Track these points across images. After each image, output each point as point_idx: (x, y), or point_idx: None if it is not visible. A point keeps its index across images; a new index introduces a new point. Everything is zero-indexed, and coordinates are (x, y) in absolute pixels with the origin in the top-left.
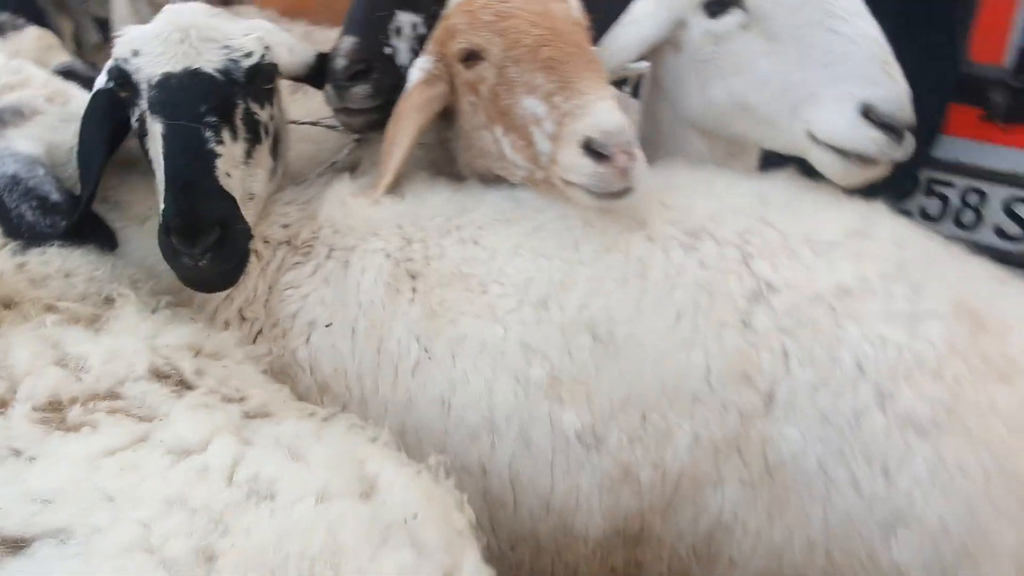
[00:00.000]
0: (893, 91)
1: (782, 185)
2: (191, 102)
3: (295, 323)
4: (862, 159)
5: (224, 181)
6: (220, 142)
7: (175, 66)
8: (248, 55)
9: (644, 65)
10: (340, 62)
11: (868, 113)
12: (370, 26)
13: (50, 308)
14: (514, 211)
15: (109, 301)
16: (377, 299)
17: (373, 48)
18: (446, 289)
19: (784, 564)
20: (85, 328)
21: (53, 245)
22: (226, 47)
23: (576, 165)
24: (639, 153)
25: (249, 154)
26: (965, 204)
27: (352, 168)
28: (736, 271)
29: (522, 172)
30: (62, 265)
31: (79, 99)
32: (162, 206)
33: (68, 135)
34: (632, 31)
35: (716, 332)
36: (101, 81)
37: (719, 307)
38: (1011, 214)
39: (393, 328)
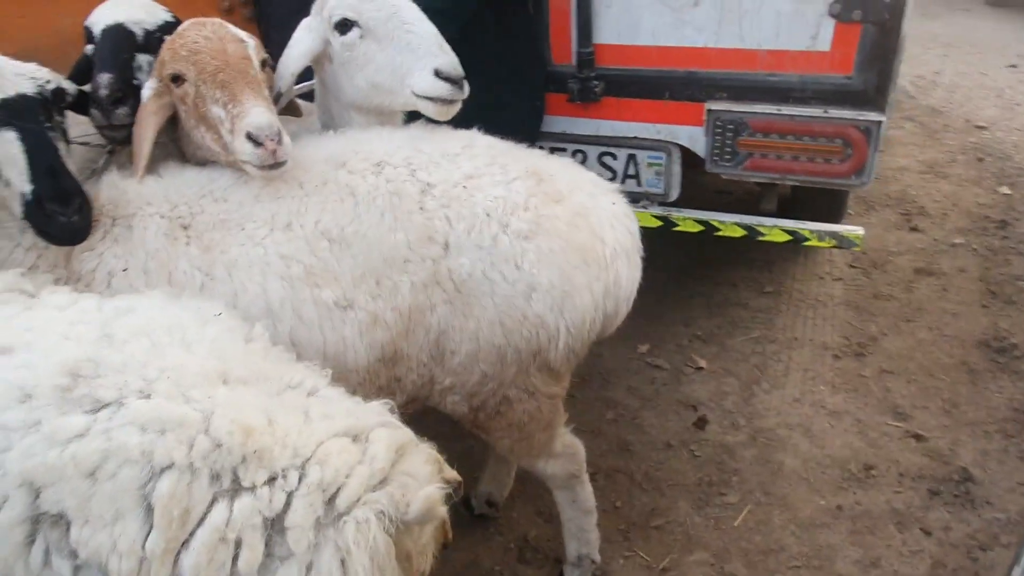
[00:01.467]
0: (447, 60)
1: (421, 129)
2: (36, 115)
3: (96, 275)
4: (443, 101)
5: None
6: (56, 139)
7: (7, 93)
8: (47, 81)
9: (308, 84)
10: (103, 92)
11: (438, 74)
12: (118, 64)
13: None
14: (247, 177)
15: None
16: (161, 247)
17: (124, 80)
18: (213, 232)
19: (481, 341)
20: None
21: None
22: (32, 77)
23: (243, 150)
24: (286, 139)
25: (66, 147)
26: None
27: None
28: (409, 179)
29: (221, 157)
30: None
31: None
32: (28, 187)
33: None
34: (294, 52)
35: (407, 217)
36: None
37: (404, 203)
38: (602, 163)
39: (178, 264)
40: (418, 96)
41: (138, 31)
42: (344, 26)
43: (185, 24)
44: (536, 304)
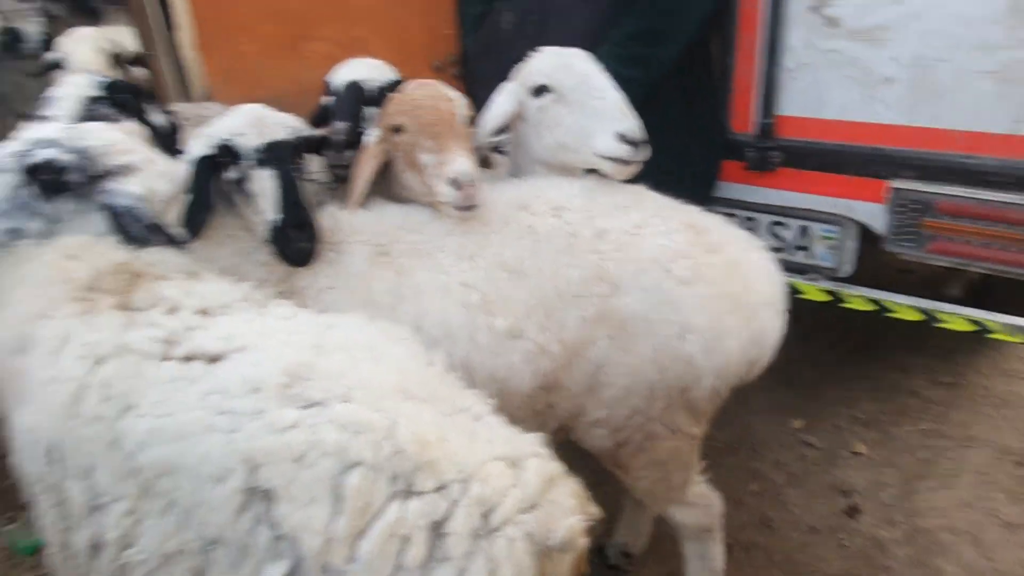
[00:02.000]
0: (629, 124)
1: (594, 181)
2: (288, 157)
3: (308, 292)
4: (622, 162)
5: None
6: (299, 179)
7: (270, 138)
8: (299, 130)
9: (505, 136)
10: (339, 137)
11: (621, 137)
12: (352, 115)
13: (161, 277)
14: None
15: (193, 273)
16: (364, 269)
17: (356, 129)
18: (406, 259)
19: (637, 376)
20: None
21: (150, 247)
22: (288, 126)
23: (444, 192)
24: (481, 185)
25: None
26: (745, 228)
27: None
28: (586, 224)
29: (423, 198)
30: (160, 256)
31: (161, 163)
32: (275, 216)
33: (156, 185)
34: (493, 111)
35: (581, 257)
36: (195, 152)
37: (580, 244)
38: (772, 233)
39: (375, 285)
40: (599, 156)
41: (369, 88)
42: (539, 91)
43: (409, 84)
44: (689, 345)
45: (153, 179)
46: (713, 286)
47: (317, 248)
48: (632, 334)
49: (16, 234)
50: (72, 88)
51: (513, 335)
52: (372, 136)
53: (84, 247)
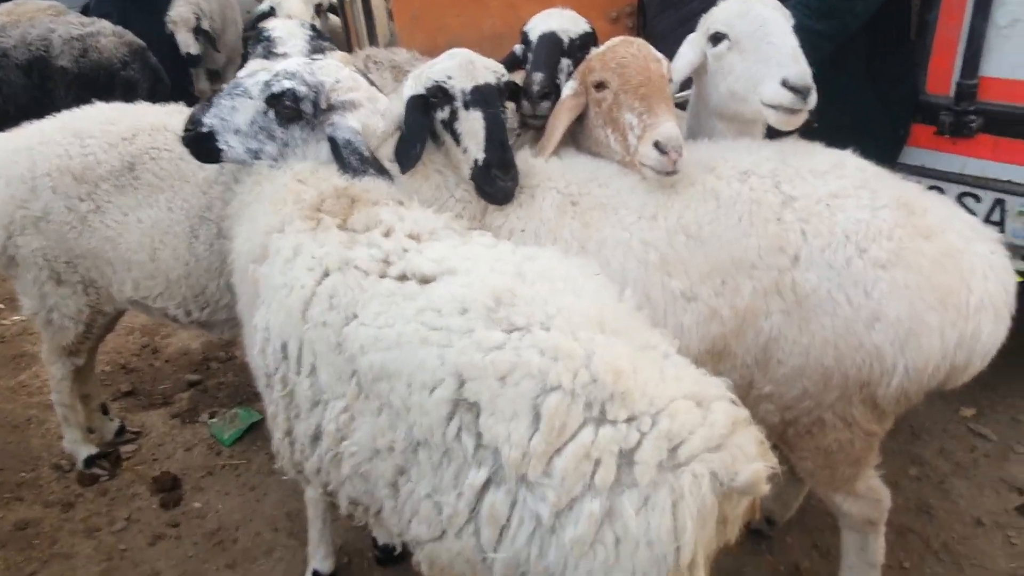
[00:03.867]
0: (797, 70)
1: (793, 144)
2: (495, 100)
3: (501, 231)
4: (785, 110)
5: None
6: (505, 123)
7: (479, 82)
8: (503, 75)
9: (688, 92)
10: (535, 88)
11: (785, 83)
12: (550, 66)
13: (375, 202)
14: (626, 170)
15: (400, 202)
16: (553, 216)
17: (551, 80)
18: (593, 211)
19: (810, 358)
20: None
21: (366, 176)
22: (495, 71)
23: (649, 155)
24: (685, 152)
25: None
26: None
27: (521, 146)
28: (771, 190)
29: (618, 156)
30: (372, 185)
31: (383, 101)
32: (481, 155)
33: (374, 121)
34: (678, 63)
35: (762, 225)
36: (408, 92)
37: (763, 211)
38: (961, 204)
39: (562, 233)
40: (764, 104)
41: (565, 39)
42: (716, 38)
43: (614, 40)
44: (877, 335)
45: (372, 115)
46: (917, 275)
47: (515, 188)
48: (810, 312)
49: (256, 154)
50: (294, 29)
51: (687, 297)
52: (569, 88)
53: (311, 172)
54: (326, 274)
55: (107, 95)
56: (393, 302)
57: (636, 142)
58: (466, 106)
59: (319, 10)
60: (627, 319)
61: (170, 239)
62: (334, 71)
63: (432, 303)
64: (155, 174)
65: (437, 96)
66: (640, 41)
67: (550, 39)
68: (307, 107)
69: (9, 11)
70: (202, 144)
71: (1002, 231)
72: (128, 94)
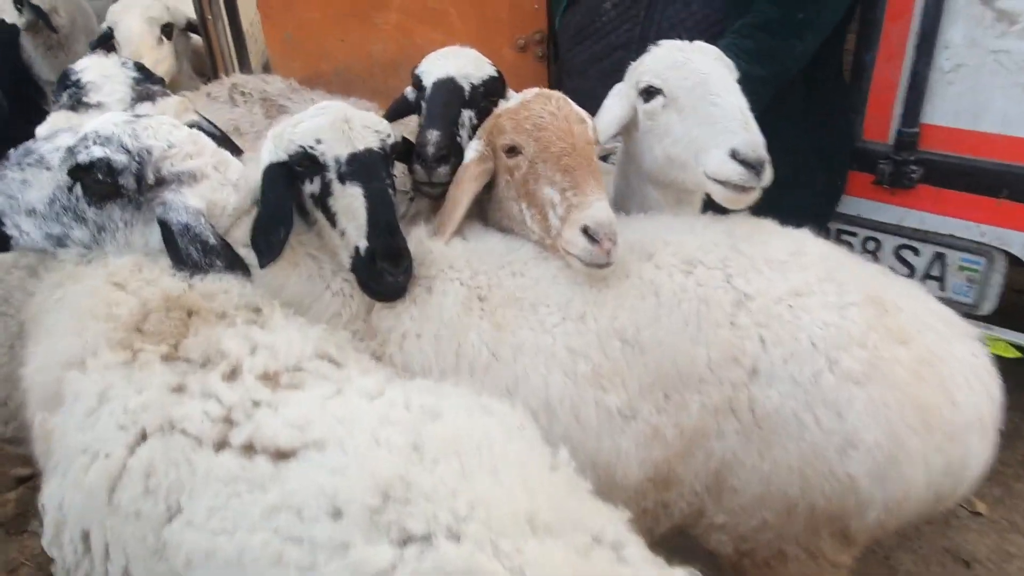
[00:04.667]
0: (747, 139)
1: (740, 222)
2: (379, 170)
3: (391, 335)
4: (737, 187)
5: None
6: (394, 195)
7: (357, 147)
8: (388, 136)
9: (615, 144)
10: (430, 150)
11: (735, 155)
12: (447, 121)
13: (222, 315)
14: (546, 253)
15: (257, 310)
16: (455, 315)
17: (450, 138)
18: (506, 309)
19: (772, 487)
20: (258, 326)
21: (211, 272)
22: (378, 131)
23: (576, 242)
24: (619, 239)
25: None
26: (865, 249)
27: (414, 216)
28: (722, 286)
29: (536, 237)
30: (220, 285)
31: (235, 167)
32: (363, 242)
33: (223, 195)
34: (604, 118)
35: (713, 331)
36: (267, 158)
37: (713, 313)
38: (899, 258)
39: (468, 336)
40: (708, 177)
41: (466, 86)
42: (649, 93)
43: (528, 94)
44: (852, 464)
45: (221, 188)
46: (896, 390)
47: (408, 283)
48: (771, 435)
49: (59, 241)
50: (111, 69)
51: (624, 415)
52: (474, 151)
53: (133, 270)
54: (142, 438)
55: None
56: (234, 492)
57: (559, 223)
58: (341, 179)
59: (168, 32)
60: (565, 501)
61: None
62: (166, 131)
63: (290, 499)
64: None
65: (303, 164)
66: (559, 96)
67: (447, 87)
68: (128, 181)
69: None
70: None
71: (942, 288)
72: None
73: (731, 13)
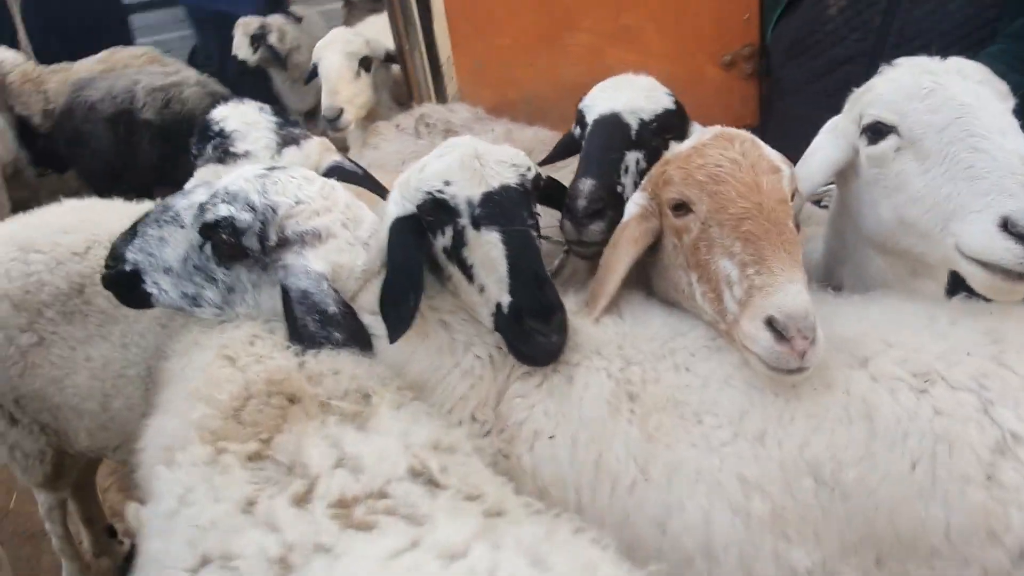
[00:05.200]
0: None
1: (1013, 321)
2: (520, 210)
3: (521, 430)
4: (1006, 272)
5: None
6: (538, 239)
7: (492, 185)
8: (528, 169)
9: (831, 186)
10: (581, 203)
11: (1007, 226)
12: (605, 168)
13: (324, 406)
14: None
15: (367, 397)
16: (598, 416)
17: (608, 188)
18: (662, 414)
19: None
20: (355, 427)
21: (327, 346)
22: (515, 164)
23: (757, 337)
24: (820, 335)
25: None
26: None
27: (567, 277)
28: (976, 419)
29: (708, 318)
30: (332, 365)
31: (368, 223)
32: (506, 297)
33: (351, 256)
34: (813, 161)
35: (958, 486)
36: (393, 211)
37: (959, 458)
38: None
39: (612, 445)
40: (963, 255)
41: (633, 123)
42: (878, 132)
43: (707, 136)
44: None
45: (350, 248)
46: None
47: (565, 342)
48: None
49: (194, 301)
50: (253, 116)
51: None
52: (636, 206)
53: (244, 344)
54: (202, 563)
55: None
56: None
57: (736, 308)
58: (476, 223)
59: (367, 65)
60: None
61: (124, 384)
62: (295, 186)
63: None
64: (109, 299)
65: (433, 214)
66: (745, 137)
67: (609, 125)
68: (252, 242)
69: (103, 59)
70: (125, 286)
71: None
72: None
73: (1010, 10)
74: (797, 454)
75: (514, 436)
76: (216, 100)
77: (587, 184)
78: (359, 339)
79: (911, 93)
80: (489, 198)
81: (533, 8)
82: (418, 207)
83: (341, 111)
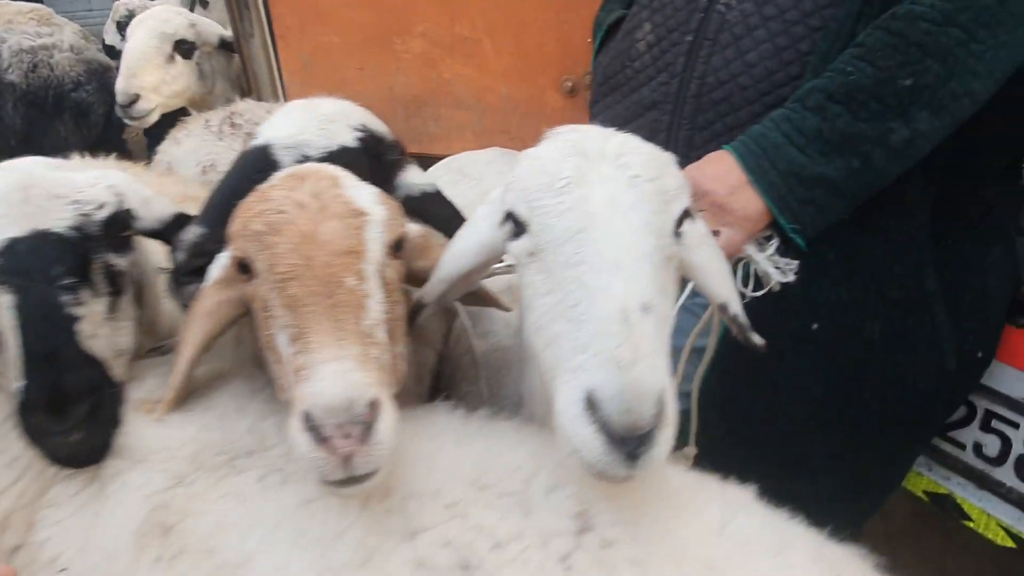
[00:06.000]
0: (617, 383)
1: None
2: (46, 266)
3: (41, 554)
4: (597, 471)
5: (88, 344)
6: (79, 303)
7: (19, 230)
8: (101, 207)
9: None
10: (179, 256)
11: (592, 406)
12: (222, 217)
13: None
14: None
15: None
16: (119, 551)
17: (220, 241)
18: (191, 563)
19: None
20: None
21: None
22: (75, 202)
23: (295, 441)
24: (382, 427)
25: (112, 308)
26: None
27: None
28: None
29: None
30: None
31: None
32: (21, 382)
33: None
34: (459, 243)
35: None
36: None
37: None
38: None
39: None
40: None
41: (287, 160)
42: (515, 223)
43: (279, 175)
44: None
45: None
46: None
47: (106, 438)
48: None
49: None
50: None
51: None
52: (219, 268)
53: None
54: None
55: (56, 117)
56: None
57: (292, 396)
58: None
59: (186, 50)
60: None
61: None
62: None
63: None
64: None
65: None
66: (325, 175)
67: (253, 159)
68: None
69: None
70: None
71: None
72: (79, 118)
73: (814, 65)
74: None
75: (32, 559)
76: (90, 69)
77: (194, 233)
78: None
79: (549, 182)
80: (12, 247)
81: (362, 4)
82: None
83: (137, 97)
